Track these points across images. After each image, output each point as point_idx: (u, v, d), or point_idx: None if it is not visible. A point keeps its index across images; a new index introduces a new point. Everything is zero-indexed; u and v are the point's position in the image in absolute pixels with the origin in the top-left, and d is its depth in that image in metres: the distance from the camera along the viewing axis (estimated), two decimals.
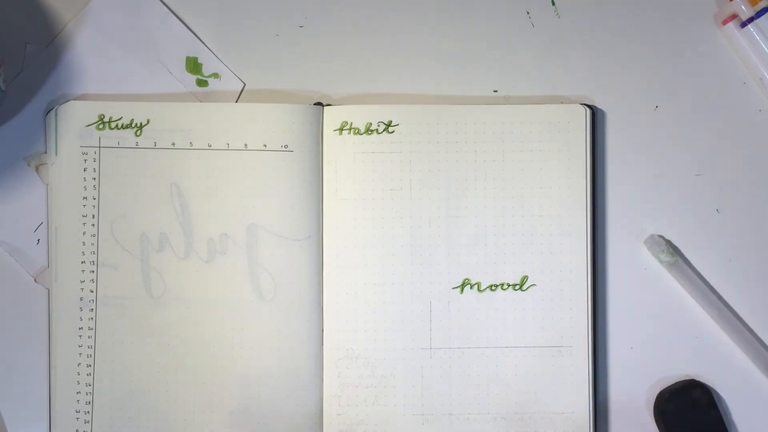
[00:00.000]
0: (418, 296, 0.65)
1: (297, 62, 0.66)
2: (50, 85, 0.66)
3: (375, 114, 0.65)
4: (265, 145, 0.65)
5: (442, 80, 0.66)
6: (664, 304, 0.66)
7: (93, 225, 0.65)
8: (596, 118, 0.66)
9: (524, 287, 0.64)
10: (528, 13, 0.66)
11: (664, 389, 0.66)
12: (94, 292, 0.65)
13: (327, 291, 0.65)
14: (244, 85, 0.67)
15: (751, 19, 0.66)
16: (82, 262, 0.65)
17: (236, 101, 0.66)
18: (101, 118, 0.64)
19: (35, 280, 0.66)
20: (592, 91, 0.67)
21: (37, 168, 0.66)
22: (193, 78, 0.66)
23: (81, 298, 0.65)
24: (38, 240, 0.66)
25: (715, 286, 0.67)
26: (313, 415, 0.65)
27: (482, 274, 0.65)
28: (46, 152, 0.66)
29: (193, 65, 0.66)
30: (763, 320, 0.66)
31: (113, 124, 0.64)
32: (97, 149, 0.64)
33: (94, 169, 0.65)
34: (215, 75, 0.66)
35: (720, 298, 0.66)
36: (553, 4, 0.67)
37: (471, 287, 0.64)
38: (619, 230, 0.67)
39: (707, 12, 0.67)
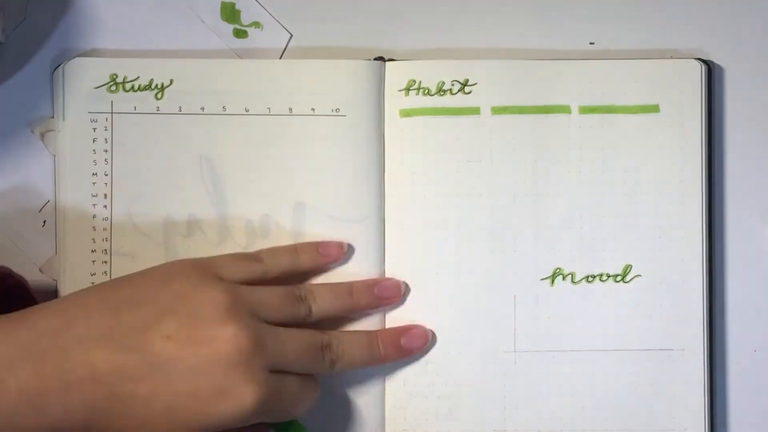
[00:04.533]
0: (500, 289, 0.63)
1: (354, 8, 0.64)
2: (58, 37, 0.64)
3: (448, 71, 0.62)
4: (313, 109, 0.62)
5: (527, 30, 0.64)
6: None
7: (105, 206, 0.62)
8: (713, 76, 0.63)
9: (627, 278, 0.62)
10: None
11: None
12: None
13: None
14: (291, 36, 0.64)
15: None
16: (92, 251, 0.62)
17: (280, 57, 0.64)
18: (113, 78, 0.62)
19: (40, 270, 0.63)
20: (708, 43, 0.64)
21: (42, 136, 0.63)
22: (229, 28, 0.64)
23: None
24: (44, 222, 0.63)
25: None
26: (372, 431, 0.62)
27: (577, 263, 0.62)
28: (53, 117, 0.63)
29: (230, 12, 0.64)
30: None
31: (128, 86, 0.62)
32: (108, 115, 0.62)
33: (106, 139, 0.62)
34: (256, 24, 0.64)
35: None
36: None
37: (564, 278, 0.62)
38: (742, 211, 0.64)
39: None
